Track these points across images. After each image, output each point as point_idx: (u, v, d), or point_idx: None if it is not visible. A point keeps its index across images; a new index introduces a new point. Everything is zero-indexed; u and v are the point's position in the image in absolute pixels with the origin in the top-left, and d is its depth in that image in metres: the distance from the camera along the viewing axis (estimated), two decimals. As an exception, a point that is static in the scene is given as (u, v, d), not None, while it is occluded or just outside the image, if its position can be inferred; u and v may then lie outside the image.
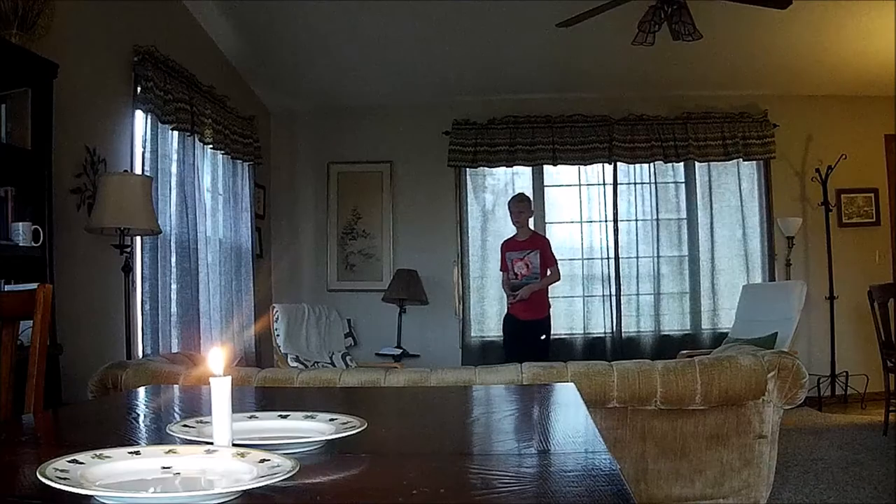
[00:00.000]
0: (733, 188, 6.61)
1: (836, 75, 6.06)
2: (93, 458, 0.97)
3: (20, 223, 3.07)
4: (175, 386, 2.50)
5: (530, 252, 5.47)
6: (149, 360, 2.98)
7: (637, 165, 6.59)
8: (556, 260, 5.57)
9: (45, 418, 1.71)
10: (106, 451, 1.00)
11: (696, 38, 4.22)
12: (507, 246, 5.65)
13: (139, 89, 4.29)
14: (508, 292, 5.57)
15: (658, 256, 6.57)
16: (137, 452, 1.02)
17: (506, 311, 5.75)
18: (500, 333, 6.56)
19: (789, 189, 6.59)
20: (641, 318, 6.54)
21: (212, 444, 1.06)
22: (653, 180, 6.63)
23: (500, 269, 5.79)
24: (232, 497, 0.87)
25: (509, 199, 5.78)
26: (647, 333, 6.51)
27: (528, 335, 5.45)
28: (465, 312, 6.54)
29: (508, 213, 5.69)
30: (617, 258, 6.57)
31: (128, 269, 3.77)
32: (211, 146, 5.17)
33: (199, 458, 1.01)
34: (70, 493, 0.84)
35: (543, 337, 5.47)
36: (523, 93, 6.50)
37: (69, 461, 0.94)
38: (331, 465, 1.10)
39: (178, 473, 0.97)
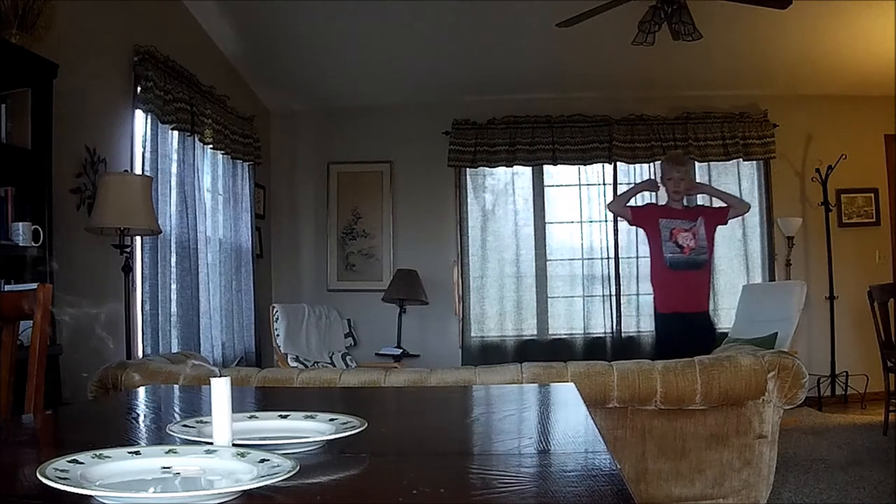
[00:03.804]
0: (733, 188, 6.59)
1: (836, 75, 6.06)
2: (93, 458, 0.97)
3: (20, 223, 3.07)
4: (175, 386, 2.50)
5: (695, 222, 4.31)
6: (149, 360, 2.98)
7: (637, 165, 6.58)
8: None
9: (45, 418, 1.71)
10: (106, 451, 1.00)
11: (696, 38, 4.22)
12: (661, 212, 4.45)
13: (139, 89, 4.29)
14: (671, 260, 4.33)
15: (658, 256, 6.55)
16: (137, 452, 1.02)
17: (657, 307, 4.60)
18: (502, 334, 6.59)
19: (789, 189, 6.58)
20: (641, 318, 6.53)
21: (212, 444, 1.06)
22: (653, 180, 6.62)
23: (636, 224, 4.65)
24: (232, 497, 0.87)
25: (665, 159, 4.63)
26: (647, 333, 6.50)
27: (698, 332, 4.22)
28: (465, 312, 6.54)
29: (661, 181, 4.44)
30: (617, 258, 6.57)
31: (128, 269, 3.76)
32: (211, 146, 5.16)
33: (199, 458, 1.01)
34: (70, 493, 0.84)
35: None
36: (523, 93, 6.50)
37: (69, 461, 0.94)
38: (331, 465, 1.10)
39: (178, 473, 0.97)
